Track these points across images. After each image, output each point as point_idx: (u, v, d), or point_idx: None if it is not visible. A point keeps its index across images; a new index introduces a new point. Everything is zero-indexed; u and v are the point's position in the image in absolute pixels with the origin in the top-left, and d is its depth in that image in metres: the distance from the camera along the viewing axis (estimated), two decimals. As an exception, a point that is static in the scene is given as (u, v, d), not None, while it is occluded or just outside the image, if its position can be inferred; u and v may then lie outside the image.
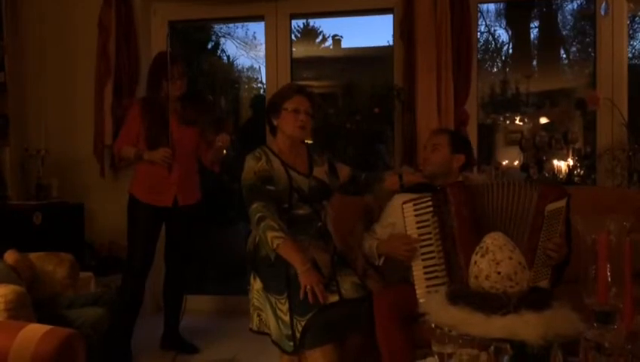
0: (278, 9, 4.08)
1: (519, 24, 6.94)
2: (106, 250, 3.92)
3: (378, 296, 2.33)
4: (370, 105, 3.83)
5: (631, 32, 5.59)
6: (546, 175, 3.87)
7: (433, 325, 1.60)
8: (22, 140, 4.00)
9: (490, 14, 6.87)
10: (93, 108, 3.94)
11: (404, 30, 3.68)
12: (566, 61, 7.04)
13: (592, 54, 3.95)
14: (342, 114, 3.99)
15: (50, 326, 1.73)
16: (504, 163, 5.35)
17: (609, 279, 1.45)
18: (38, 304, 2.33)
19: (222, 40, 7.05)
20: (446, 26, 3.52)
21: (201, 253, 4.39)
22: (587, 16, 5.80)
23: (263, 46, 4.21)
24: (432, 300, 1.77)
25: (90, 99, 3.95)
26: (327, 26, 7.73)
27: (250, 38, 6.96)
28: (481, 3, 4.14)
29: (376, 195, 2.77)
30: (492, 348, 1.50)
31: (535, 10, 6.70)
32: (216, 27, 6.81)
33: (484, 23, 6.76)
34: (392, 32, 3.93)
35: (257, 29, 6.75)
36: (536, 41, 7.03)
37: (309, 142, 2.75)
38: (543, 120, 5.87)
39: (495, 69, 7.26)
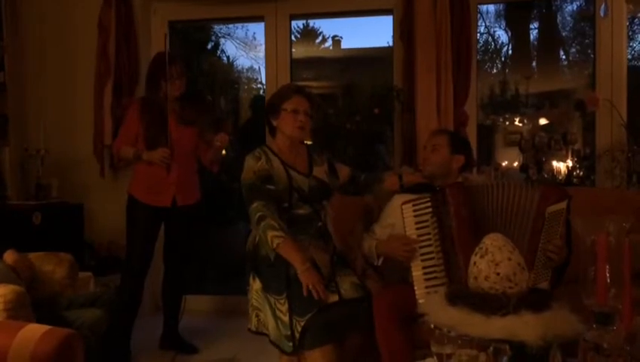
0: (278, 9, 4.08)
1: (519, 25, 6.94)
2: (105, 250, 3.92)
3: (377, 296, 2.34)
4: (369, 106, 3.84)
5: (630, 33, 5.59)
6: (546, 176, 3.87)
7: (432, 325, 1.60)
8: (22, 140, 4.00)
9: (489, 15, 6.88)
10: (92, 108, 3.95)
11: (404, 31, 3.68)
12: (565, 62, 7.05)
13: (592, 55, 3.95)
14: (341, 114, 3.99)
15: (50, 327, 1.73)
16: (503, 164, 5.35)
17: (608, 280, 1.45)
18: (37, 304, 2.32)
19: (222, 40, 7.05)
20: (446, 26, 3.53)
21: (200, 253, 4.38)
22: (587, 17, 5.80)
23: (263, 46, 4.21)
24: (431, 301, 1.77)
25: (90, 99, 3.95)
26: (327, 26, 7.75)
27: (250, 38, 6.97)
28: (480, 4, 4.14)
29: (375, 196, 2.77)
30: (491, 348, 1.50)
31: (535, 12, 6.71)
32: (216, 27, 6.81)
33: (483, 24, 6.77)
34: (391, 33, 3.94)
35: (257, 29, 6.76)
36: (535, 42, 7.04)
37: (309, 142, 2.75)
38: (543, 121, 5.88)
39: (495, 70, 7.26)
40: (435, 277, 2.22)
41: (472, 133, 3.71)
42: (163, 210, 3.24)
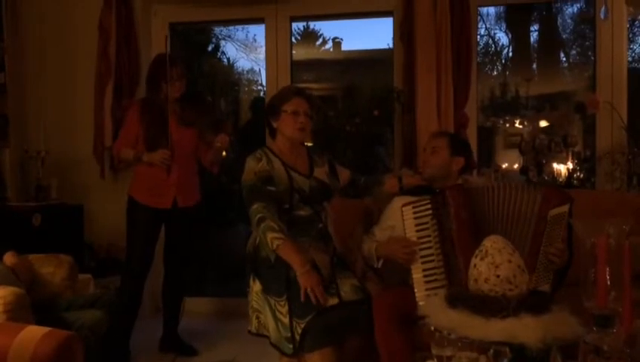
0: (279, 12, 4.08)
1: (519, 27, 6.94)
2: (104, 252, 3.92)
3: (377, 298, 2.33)
4: (370, 108, 3.84)
5: (630, 35, 5.59)
6: (546, 178, 3.87)
7: (432, 328, 1.60)
8: (22, 141, 4.00)
9: (490, 17, 6.88)
10: (93, 110, 3.95)
11: (404, 33, 3.68)
12: (566, 64, 7.05)
13: (592, 58, 3.95)
14: (342, 116, 3.99)
15: (49, 328, 1.73)
16: (504, 166, 5.35)
17: (608, 282, 1.45)
18: (37, 305, 2.32)
19: (222, 42, 7.06)
20: (446, 28, 3.53)
21: (200, 255, 4.38)
22: (587, 19, 5.80)
23: (263, 48, 4.22)
24: (431, 303, 1.77)
25: (90, 100, 3.95)
26: (328, 28, 7.76)
27: (251, 40, 6.98)
28: (481, 6, 4.15)
29: (375, 198, 2.77)
30: (491, 351, 1.50)
31: (535, 14, 6.71)
32: (217, 29, 6.82)
33: (484, 26, 6.77)
34: (391, 35, 3.94)
35: (257, 31, 6.77)
36: (536, 45, 7.04)
37: (309, 144, 2.75)
38: (543, 123, 5.88)
39: (495, 72, 7.27)
40: (435, 280, 2.21)
41: (472, 135, 3.71)
42: (163, 212, 3.24)
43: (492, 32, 7.07)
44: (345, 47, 7.38)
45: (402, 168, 3.51)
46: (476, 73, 3.78)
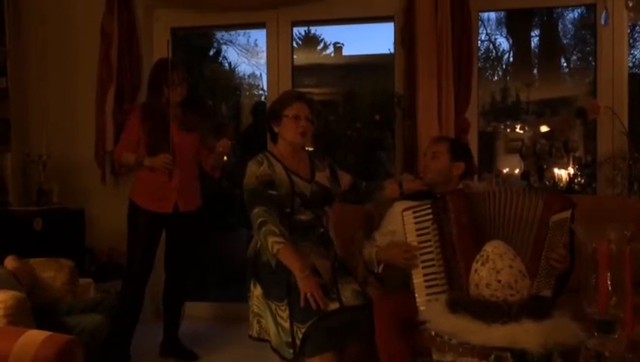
0: (280, 16, 4.09)
1: (520, 33, 6.96)
2: (105, 256, 3.92)
3: (378, 303, 2.33)
4: (370, 113, 3.84)
5: (631, 41, 5.61)
6: (547, 183, 3.87)
7: (433, 333, 1.60)
8: (23, 145, 4.00)
9: (490, 23, 6.90)
10: (94, 114, 3.95)
11: (405, 38, 3.69)
12: (566, 70, 7.07)
13: (593, 63, 3.95)
14: (342, 121, 3.99)
15: (50, 332, 1.73)
16: (505, 171, 5.35)
17: (609, 288, 1.45)
18: (37, 310, 2.32)
19: (223, 47, 7.09)
20: (447, 33, 3.53)
21: (201, 260, 4.38)
22: (588, 25, 5.82)
23: (265, 53, 4.23)
24: (432, 308, 1.77)
25: (92, 104, 3.96)
26: (329, 33, 7.77)
27: (252, 45, 7.00)
28: (481, 11, 4.15)
29: (376, 203, 2.77)
30: (492, 356, 1.50)
31: (536, 19, 6.73)
32: (218, 34, 6.85)
33: (484, 31, 6.79)
34: (392, 40, 3.95)
35: (259, 36, 6.79)
36: (536, 50, 7.06)
37: (310, 148, 2.75)
38: (544, 128, 5.89)
39: (496, 77, 7.29)
40: (436, 285, 2.21)
41: (473, 140, 3.71)
42: (164, 216, 3.24)
43: (493, 37, 7.10)
44: (346, 52, 7.41)
45: (403, 173, 3.51)
46: (477, 78, 3.78)
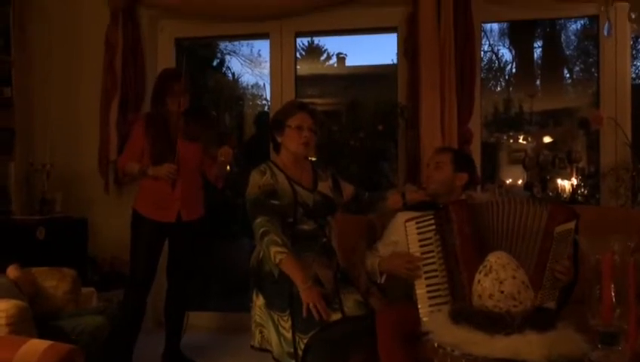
0: (283, 27, 4.11)
1: (523, 44, 6.98)
2: (108, 266, 3.91)
3: (381, 314, 2.32)
4: (373, 123, 3.86)
5: (634, 52, 5.62)
6: (550, 194, 3.87)
7: (436, 344, 1.59)
8: (27, 154, 4.02)
9: (493, 34, 6.94)
10: (98, 124, 3.97)
11: (408, 49, 3.70)
12: (569, 81, 7.08)
13: (596, 74, 3.96)
14: (345, 131, 4.01)
15: (52, 342, 1.73)
16: (508, 181, 5.35)
17: (613, 299, 1.45)
18: (39, 319, 2.32)
19: (227, 57, 7.13)
20: (450, 44, 3.54)
21: (204, 269, 4.37)
22: (590, 36, 5.83)
23: (268, 63, 4.24)
24: (434, 319, 1.76)
25: (96, 114, 3.98)
26: (332, 44, 7.81)
27: (255, 55, 7.04)
28: (484, 22, 4.16)
29: (379, 213, 2.77)
30: (495, 368, 1.49)
31: (539, 30, 6.75)
32: (222, 44, 6.88)
33: (487, 42, 6.82)
34: (395, 51, 3.96)
35: (262, 46, 6.83)
36: (539, 61, 7.08)
37: (313, 159, 2.75)
38: (547, 139, 5.89)
39: (499, 88, 7.31)
40: (439, 296, 2.20)
41: (476, 150, 3.71)
42: (167, 226, 3.23)
43: (496, 48, 7.12)
44: (349, 62, 7.45)
45: (406, 183, 3.51)
46: (480, 89, 3.79)
